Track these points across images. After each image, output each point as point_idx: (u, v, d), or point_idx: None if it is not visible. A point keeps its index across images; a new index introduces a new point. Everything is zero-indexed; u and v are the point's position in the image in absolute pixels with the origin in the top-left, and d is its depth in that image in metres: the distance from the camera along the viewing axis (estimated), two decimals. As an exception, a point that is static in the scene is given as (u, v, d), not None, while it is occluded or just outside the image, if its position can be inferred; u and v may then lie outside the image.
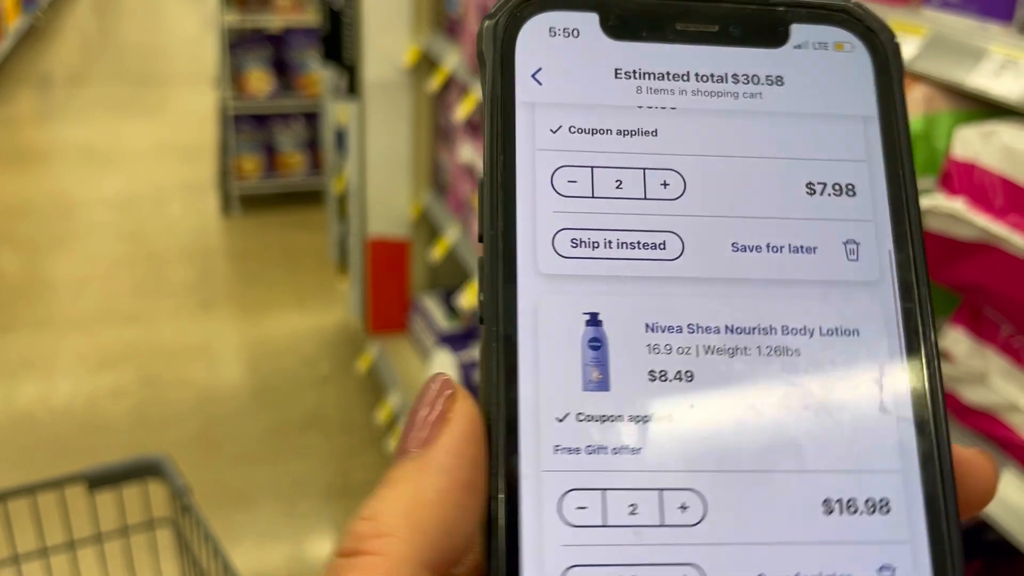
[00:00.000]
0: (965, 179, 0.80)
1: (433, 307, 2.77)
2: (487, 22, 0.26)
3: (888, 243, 0.26)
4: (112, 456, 2.90)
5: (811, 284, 0.25)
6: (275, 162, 4.53)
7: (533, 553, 0.22)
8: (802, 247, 0.25)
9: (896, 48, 0.27)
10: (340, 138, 2.96)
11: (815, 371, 0.24)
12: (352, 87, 2.64)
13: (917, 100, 0.85)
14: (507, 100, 0.25)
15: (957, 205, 0.79)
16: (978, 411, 0.87)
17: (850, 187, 0.26)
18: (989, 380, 0.85)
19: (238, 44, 4.32)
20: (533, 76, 0.26)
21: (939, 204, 0.80)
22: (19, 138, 5.53)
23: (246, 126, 4.40)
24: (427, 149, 2.74)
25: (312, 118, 4.43)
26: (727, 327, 0.24)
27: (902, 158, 0.26)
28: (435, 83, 2.46)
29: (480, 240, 0.25)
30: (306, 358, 3.30)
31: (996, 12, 0.86)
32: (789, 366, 0.24)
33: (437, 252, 2.59)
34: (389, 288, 2.91)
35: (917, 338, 0.25)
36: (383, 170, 2.71)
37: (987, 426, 0.86)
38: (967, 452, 0.25)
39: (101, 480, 1.17)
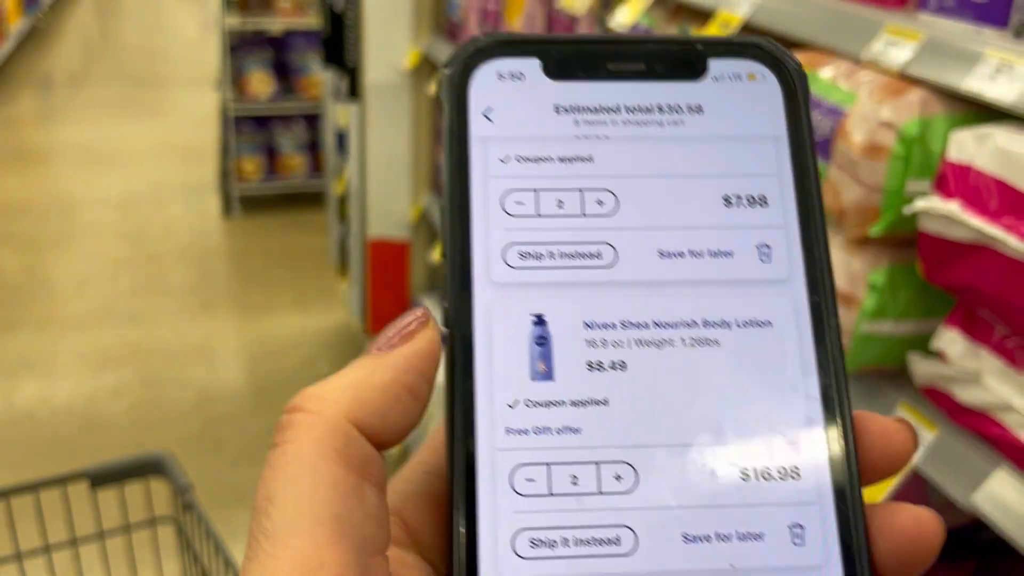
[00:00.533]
0: (960, 181, 0.81)
1: (433, 308, 2.78)
2: (445, 71, 0.30)
3: (797, 245, 0.29)
4: (112, 456, 2.91)
5: (728, 283, 0.29)
6: (276, 164, 4.54)
7: (488, 519, 0.26)
8: (720, 251, 0.29)
9: (802, 75, 0.31)
10: (341, 140, 2.97)
11: (733, 358, 0.28)
12: (353, 89, 2.65)
13: (912, 104, 0.86)
14: (463, 136, 0.29)
15: (952, 207, 0.80)
16: (972, 411, 0.88)
17: (762, 198, 0.29)
18: (983, 380, 0.86)
19: (239, 46, 4.33)
20: (484, 115, 0.29)
21: (935, 206, 0.81)
22: (20, 138, 5.54)
23: (247, 128, 4.41)
24: (427, 151, 2.75)
25: (313, 120, 4.44)
26: (655, 322, 0.28)
27: (809, 171, 0.30)
28: (435, 86, 2.47)
29: (443, 256, 0.29)
30: (306, 359, 3.31)
31: (991, 17, 0.87)
32: (709, 354, 0.28)
33: (437, 253, 2.60)
34: (389, 289, 2.92)
35: (822, 325, 0.28)
36: (383, 172, 2.72)
37: (981, 426, 0.87)
38: (884, 420, 0.28)
39: (103, 478, 1.18)
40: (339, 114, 2.94)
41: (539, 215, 0.29)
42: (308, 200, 4.62)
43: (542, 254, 0.28)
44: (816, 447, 0.27)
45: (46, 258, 4.03)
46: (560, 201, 0.29)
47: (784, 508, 0.26)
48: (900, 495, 1.05)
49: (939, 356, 0.90)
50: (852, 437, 0.27)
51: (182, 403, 3.01)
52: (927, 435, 0.93)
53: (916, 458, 0.93)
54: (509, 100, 0.30)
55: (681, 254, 0.29)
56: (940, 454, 0.92)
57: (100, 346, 3.33)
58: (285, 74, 4.40)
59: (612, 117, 0.30)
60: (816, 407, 0.27)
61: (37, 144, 5.46)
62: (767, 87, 0.30)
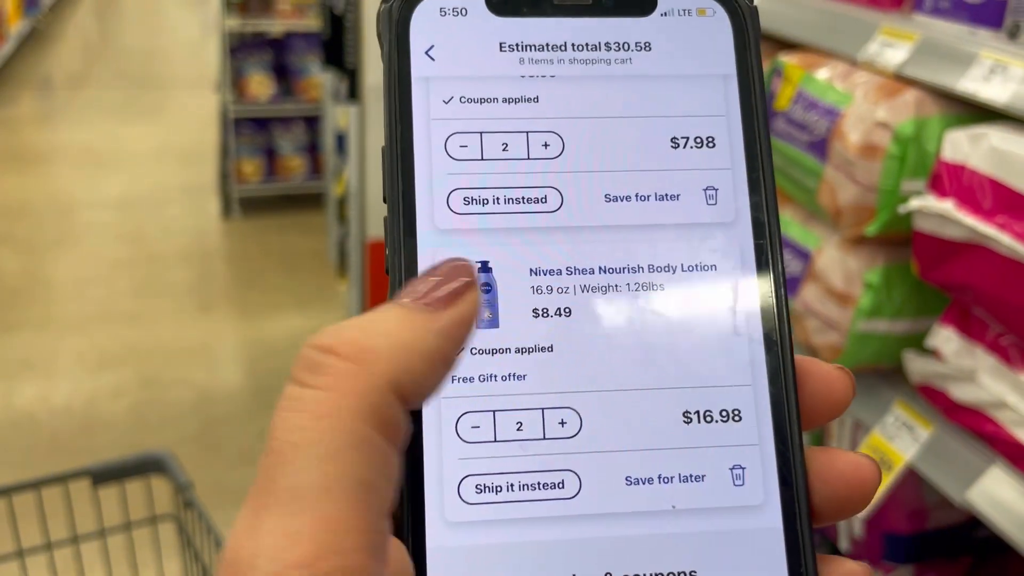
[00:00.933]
0: (955, 180, 0.82)
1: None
2: (383, 6, 0.29)
3: (744, 188, 0.28)
4: (111, 455, 2.91)
5: (674, 227, 0.28)
6: (275, 165, 4.55)
7: (434, 466, 0.26)
8: (667, 195, 0.28)
9: (753, 11, 0.30)
10: (340, 141, 2.98)
11: (678, 302, 0.27)
12: (353, 91, 2.65)
13: (908, 104, 0.87)
14: (404, 75, 0.28)
15: (947, 206, 0.81)
16: (967, 408, 0.89)
17: (710, 139, 0.29)
18: (978, 378, 0.87)
19: (239, 48, 4.34)
20: (426, 53, 0.28)
21: (929, 205, 0.82)
22: (20, 140, 5.54)
23: (246, 130, 4.41)
24: (427, 152, 2.75)
25: (312, 122, 4.45)
26: (600, 268, 0.27)
27: (757, 111, 0.29)
28: (375, 22, 2.47)
29: (384, 201, 0.28)
30: (305, 360, 3.30)
31: (985, 18, 0.88)
32: (655, 299, 0.27)
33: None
34: (388, 290, 2.92)
35: (767, 269, 0.28)
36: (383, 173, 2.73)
37: (976, 423, 0.88)
38: (825, 366, 0.28)
39: (105, 476, 1.18)
40: (339, 116, 2.95)
41: (483, 159, 0.28)
42: (307, 201, 4.62)
43: (487, 199, 0.28)
44: (758, 391, 0.27)
45: (45, 259, 4.03)
46: (505, 144, 0.28)
47: (725, 450, 0.27)
48: (896, 492, 1.06)
49: (934, 354, 0.90)
50: (793, 381, 0.27)
51: (181, 404, 3.01)
52: (923, 433, 0.94)
53: (911, 455, 0.94)
54: (452, 37, 0.28)
55: (627, 198, 0.28)
56: (935, 451, 0.93)
57: (99, 347, 3.33)
58: (285, 76, 4.41)
59: (558, 55, 0.29)
60: (759, 350, 0.27)
61: (37, 145, 5.47)
62: (717, 23, 0.29)
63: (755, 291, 0.28)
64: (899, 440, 0.95)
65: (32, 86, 6.64)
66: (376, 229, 2.80)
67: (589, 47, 0.29)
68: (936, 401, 0.92)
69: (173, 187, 4.84)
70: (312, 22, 4.24)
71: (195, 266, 4.02)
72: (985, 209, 0.81)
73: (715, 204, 0.28)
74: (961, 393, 0.88)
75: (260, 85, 4.34)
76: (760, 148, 0.29)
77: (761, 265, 0.28)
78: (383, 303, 0.25)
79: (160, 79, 6.90)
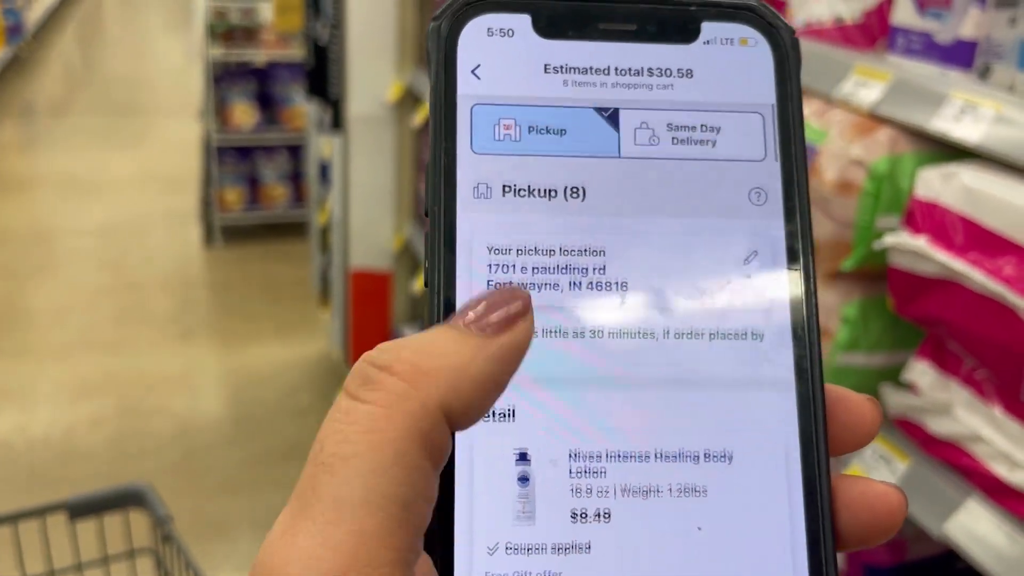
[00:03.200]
0: (927, 218, 0.84)
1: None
2: (432, 24, 0.29)
3: (780, 218, 0.29)
4: (90, 486, 2.87)
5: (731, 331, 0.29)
6: (258, 194, 4.55)
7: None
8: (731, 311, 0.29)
9: (795, 42, 0.30)
10: (324, 171, 2.99)
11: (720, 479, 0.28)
12: (336, 121, 2.67)
13: (881, 142, 0.89)
14: (450, 93, 0.29)
15: (920, 243, 0.83)
16: (943, 442, 0.90)
17: (762, 193, 0.29)
18: (953, 411, 0.88)
19: (223, 77, 4.36)
20: (473, 72, 0.29)
21: (903, 241, 0.84)
22: (1, 166, 5.51)
23: (229, 158, 4.42)
24: (410, 182, 2.77)
25: (295, 151, 4.46)
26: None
27: (795, 139, 0.30)
28: (418, 118, 2.50)
29: (425, 215, 0.28)
30: (286, 389, 3.30)
31: (957, 59, 0.90)
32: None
33: (419, 284, 2.62)
34: (371, 320, 2.92)
35: (800, 292, 0.28)
36: (366, 202, 2.74)
37: (952, 456, 0.89)
38: (855, 396, 0.29)
39: (82, 509, 1.17)
40: (323, 145, 2.96)
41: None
42: (290, 230, 4.62)
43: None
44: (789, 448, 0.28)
45: (26, 286, 4.00)
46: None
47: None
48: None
49: (910, 388, 0.92)
50: (823, 413, 0.28)
51: (161, 433, 2.98)
52: (900, 465, 0.95)
53: (890, 488, 0.95)
54: (498, 57, 0.29)
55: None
56: (913, 484, 0.94)
57: (79, 376, 3.30)
58: (268, 105, 4.42)
59: (601, 79, 0.29)
60: (789, 375, 0.28)
61: (18, 172, 5.44)
62: (759, 53, 0.30)
63: (788, 326, 0.28)
64: (877, 473, 0.96)
65: (14, 113, 6.62)
66: (358, 257, 2.81)
67: (632, 72, 0.29)
68: (913, 434, 0.93)
69: (155, 215, 4.83)
70: (296, 52, 4.26)
71: (176, 294, 4.01)
72: (957, 245, 0.82)
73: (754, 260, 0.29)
74: (937, 426, 0.90)
75: (244, 114, 4.35)
76: (796, 176, 0.29)
77: (793, 287, 0.28)
78: (438, 325, 0.25)
79: (143, 107, 6.90)
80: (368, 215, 2.76)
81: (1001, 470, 0.85)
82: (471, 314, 0.24)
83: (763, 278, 0.28)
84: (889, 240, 0.85)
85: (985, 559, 0.85)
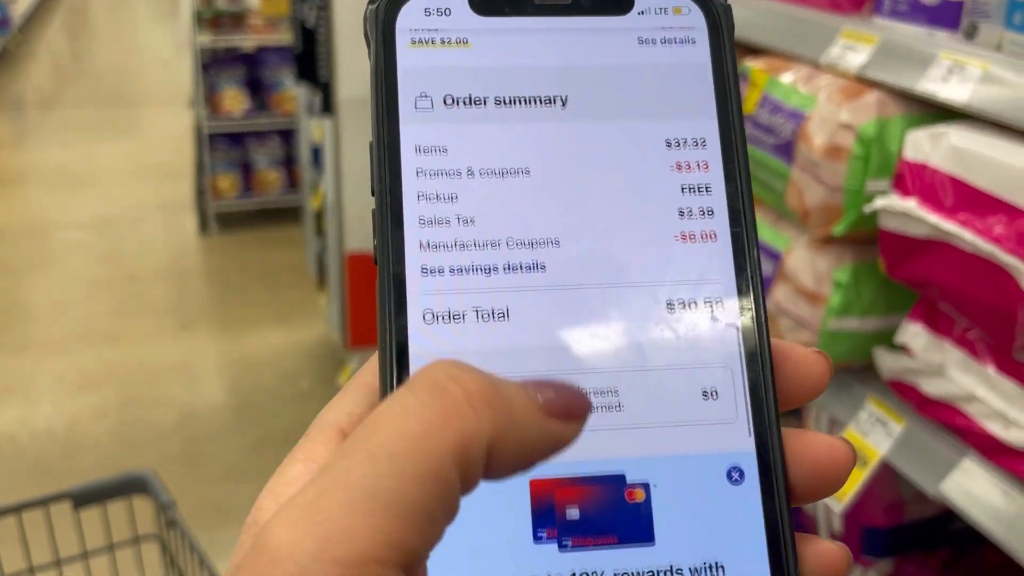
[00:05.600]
0: (917, 179, 0.84)
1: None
2: (369, 7, 0.30)
3: (721, 185, 0.30)
4: (94, 477, 2.88)
5: (654, 212, 0.30)
6: (251, 180, 4.54)
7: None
8: (652, 193, 0.30)
9: (727, 9, 0.31)
10: (316, 155, 2.98)
11: (655, 283, 0.29)
12: (326, 105, 2.66)
13: (870, 105, 0.89)
14: (390, 73, 0.29)
15: (910, 204, 0.83)
16: (938, 402, 0.90)
17: (701, 140, 0.30)
18: (947, 372, 0.89)
19: (212, 64, 4.33)
20: (410, 51, 0.30)
21: (893, 204, 0.84)
22: (-8, 162, 5.49)
23: (221, 145, 4.40)
24: (403, 163, 2.76)
25: (287, 136, 4.44)
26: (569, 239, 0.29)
27: (731, 100, 0.30)
28: (362, 23, 2.48)
29: (372, 194, 0.29)
30: (287, 374, 3.30)
31: (943, 20, 0.90)
32: (633, 277, 0.29)
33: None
34: (368, 302, 2.92)
35: (743, 256, 0.29)
36: (359, 185, 2.73)
37: (947, 417, 0.90)
38: (801, 349, 0.29)
39: (86, 498, 1.18)
40: (313, 129, 2.95)
41: None
42: (285, 215, 4.61)
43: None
44: (735, 371, 0.28)
45: (22, 282, 4.00)
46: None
47: (703, 428, 0.28)
48: (872, 486, 1.07)
49: (904, 350, 0.92)
50: (770, 362, 0.28)
51: (163, 423, 2.99)
52: (895, 427, 0.95)
53: (886, 450, 0.96)
54: (435, 35, 0.30)
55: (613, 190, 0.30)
56: (909, 446, 0.94)
57: (79, 368, 3.31)
58: (258, 90, 4.40)
59: (538, 52, 0.30)
60: (736, 333, 0.28)
61: (10, 167, 5.42)
62: (693, 20, 0.31)
63: (731, 276, 0.29)
64: (873, 436, 0.97)
65: (3, 107, 6.58)
66: (353, 240, 2.80)
67: (568, 43, 0.30)
68: (907, 396, 0.93)
69: (149, 205, 4.81)
70: (284, 36, 4.24)
71: (174, 284, 4.00)
72: (947, 207, 0.82)
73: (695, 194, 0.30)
74: (931, 387, 0.90)
75: (234, 100, 4.33)
76: (735, 139, 0.30)
77: (737, 251, 0.29)
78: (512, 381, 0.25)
79: (133, 97, 6.86)
80: (362, 198, 2.76)
81: (996, 429, 0.85)
82: (548, 391, 0.24)
83: (701, 234, 0.29)
84: (879, 203, 0.85)
85: (982, 518, 0.86)
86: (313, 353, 3.47)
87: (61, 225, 4.54)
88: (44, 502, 1.14)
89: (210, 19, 4.37)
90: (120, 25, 9.55)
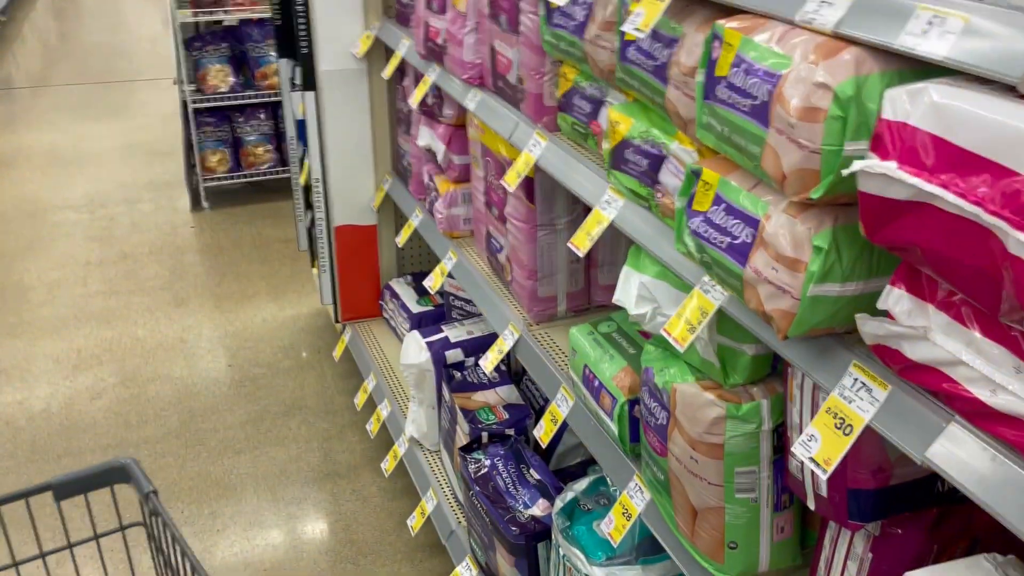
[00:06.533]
0: (896, 139, 0.80)
1: (403, 290, 2.77)
2: None
3: None
4: (93, 456, 2.90)
5: None
6: (240, 155, 4.50)
7: None
8: None
9: None
10: (301, 128, 2.94)
11: None
12: (307, 79, 2.61)
13: (846, 62, 0.86)
14: None
15: (889, 165, 0.80)
16: (923, 366, 0.88)
17: None
18: (932, 336, 0.86)
19: (195, 40, 4.27)
20: None
21: (872, 165, 0.81)
22: (-19, 144, 5.45)
23: (209, 121, 4.36)
24: (386, 135, 2.72)
25: (275, 109, 4.39)
26: None
27: None
28: (389, 69, 2.44)
29: None
30: (283, 347, 3.30)
31: (921, -29, 0.86)
32: None
33: (403, 236, 2.59)
34: (359, 273, 2.90)
35: None
36: (345, 158, 2.70)
37: (932, 381, 0.87)
38: None
39: (68, 489, 1.17)
40: (296, 104, 2.91)
41: None
42: (276, 189, 4.58)
43: None
44: None
45: (16, 264, 3.98)
46: None
47: None
48: (858, 450, 1.06)
49: (886, 315, 0.90)
50: None
51: (161, 399, 3.00)
52: (880, 393, 0.94)
53: (871, 416, 0.94)
54: None
55: None
56: (894, 411, 0.92)
57: (75, 348, 3.30)
58: (243, 65, 4.34)
59: None
60: None
61: (1, 150, 5.38)
62: None
63: None
64: (858, 402, 0.95)
65: (-9, 88, 6.52)
66: (341, 212, 2.78)
67: None
68: (892, 361, 0.91)
69: (140, 183, 4.78)
70: (266, 9, 4.17)
71: (167, 261, 3.99)
72: (928, 167, 0.79)
73: None
74: (916, 352, 0.88)
75: (219, 76, 4.27)
76: None
77: None
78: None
79: (123, 75, 6.78)
80: (348, 170, 2.72)
81: (983, 394, 0.83)
82: None
83: None
84: (857, 165, 0.82)
85: (969, 483, 0.84)
86: (308, 325, 3.46)
87: (53, 206, 4.52)
88: (24, 495, 1.14)
89: (191, -7, 4.30)
90: (107, 3, 9.42)
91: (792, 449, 1.01)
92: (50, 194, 4.75)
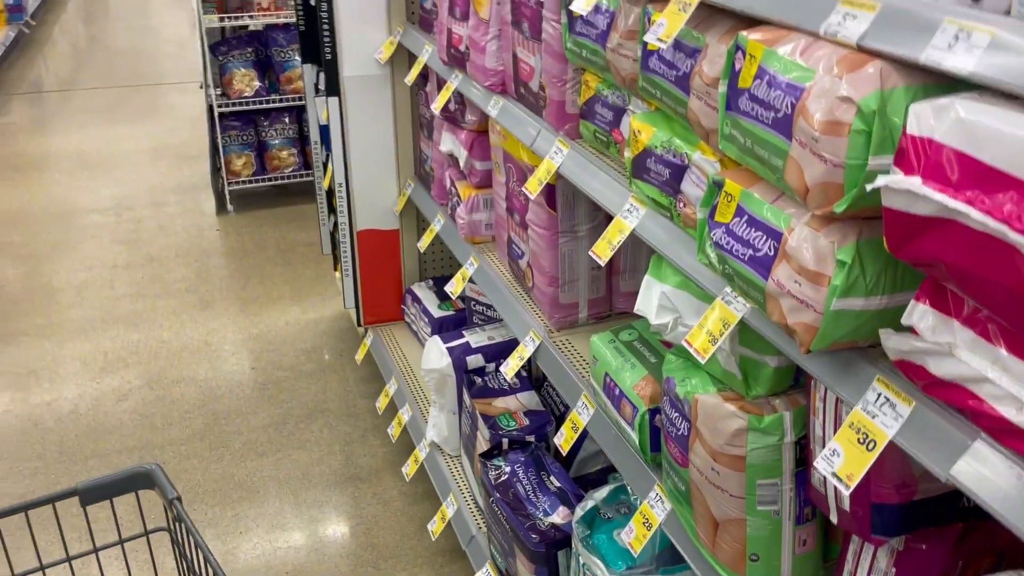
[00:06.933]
0: (921, 155, 0.80)
1: (425, 295, 2.78)
2: None
3: None
4: (119, 458, 2.92)
5: None
6: (265, 159, 4.53)
7: None
8: None
9: None
10: (324, 133, 2.96)
11: None
12: (331, 84, 2.63)
13: (871, 76, 0.85)
14: None
15: (914, 181, 0.79)
16: (948, 383, 0.87)
17: None
18: (957, 353, 0.85)
19: (221, 45, 4.31)
20: None
21: (896, 181, 0.80)
22: (13, 148, 5.53)
23: (234, 125, 4.39)
24: (408, 140, 2.73)
25: (299, 113, 4.42)
26: None
27: None
28: (412, 75, 2.45)
29: None
30: (306, 350, 3.32)
31: (947, -17, 0.85)
32: None
33: (425, 240, 2.60)
34: (381, 277, 2.91)
35: None
36: (367, 163, 2.71)
37: (957, 398, 0.86)
38: None
39: (94, 494, 1.18)
40: (320, 109, 2.93)
41: None
42: (300, 191, 4.61)
43: None
44: None
45: (44, 266, 4.04)
46: None
47: None
48: (882, 464, 1.05)
49: (911, 331, 0.89)
50: None
51: (186, 401, 3.03)
52: (904, 409, 0.93)
53: (895, 432, 0.93)
54: None
55: None
56: (917, 427, 0.91)
57: (102, 350, 3.35)
58: (268, 69, 4.38)
59: None
60: None
61: (30, 153, 5.45)
62: None
63: None
64: (881, 417, 0.94)
65: (22, 93, 6.61)
66: (364, 217, 2.79)
67: None
68: (916, 377, 0.90)
69: (167, 186, 4.83)
70: (291, 14, 4.20)
71: (193, 264, 4.03)
72: (954, 184, 0.78)
73: None
74: (940, 369, 0.87)
75: (244, 80, 4.31)
76: None
77: None
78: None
79: (150, 79, 6.86)
80: (370, 175, 2.74)
81: (1008, 411, 0.82)
82: None
83: None
84: (881, 181, 0.81)
85: (994, 501, 0.83)
86: (330, 329, 3.48)
87: (81, 209, 4.58)
88: (51, 500, 1.15)
89: (216, 1, 4.34)
90: (135, 7, 9.53)
91: (814, 464, 1.00)
92: (78, 197, 4.81)
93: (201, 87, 4.33)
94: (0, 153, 5.46)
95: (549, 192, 1.76)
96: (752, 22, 1.05)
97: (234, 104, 4.37)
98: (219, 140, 4.39)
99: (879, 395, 0.95)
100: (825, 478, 1.12)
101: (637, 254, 1.88)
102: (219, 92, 4.36)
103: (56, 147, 5.55)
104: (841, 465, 0.95)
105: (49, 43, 7.98)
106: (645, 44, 1.26)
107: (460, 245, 2.29)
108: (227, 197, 4.54)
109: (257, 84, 4.36)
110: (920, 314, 0.87)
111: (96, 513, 1.22)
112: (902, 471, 1.06)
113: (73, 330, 3.56)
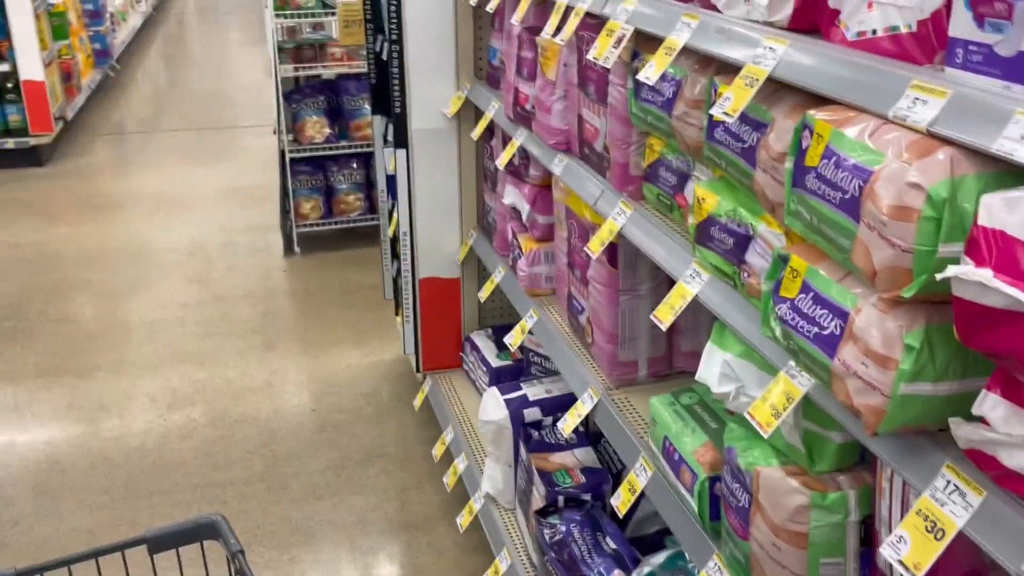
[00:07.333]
0: (992, 247, 0.79)
1: (484, 343, 2.80)
2: None
3: None
4: (181, 497, 2.97)
5: None
6: (332, 203, 4.65)
7: None
8: None
9: None
10: (391, 182, 3.03)
11: None
12: (399, 135, 2.69)
13: (941, 163, 0.84)
14: None
15: (985, 273, 0.78)
16: (1020, 476, 0.85)
17: None
18: (1030, 444, 0.83)
19: (294, 93, 4.46)
20: None
21: (967, 272, 0.79)
22: (95, 188, 5.77)
23: (304, 170, 4.52)
24: (472, 191, 2.77)
25: (367, 159, 4.54)
26: None
27: None
28: (478, 130, 2.50)
29: None
30: (365, 393, 3.36)
31: (1021, 73, 0.84)
32: None
33: (486, 291, 2.62)
34: (441, 325, 2.95)
35: None
36: (432, 213, 2.76)
37: (1031, 491, 0.84)
38: None
39: (161, 543, 1.22)
40: (388, 159, 3.00)
41: None
42: (365, 235, 4.70)
43: None
44: None
45: (120, 303, 4.19)
46: None
47: None
48: (951, 552, 1.02)
49: (981, 421, 0.87)
50: None
51: (248, 441, 3.09)
52: (975, 499, 0.90)
53: (964, 522, 0.90)
54: None
55: None
56: (988, 518, 0.89)
57: (170, 387, 3.44)
58: (339, 117, 4.50)
59: None
60: None
61: (111, 193, 5.68)
62: None
63: None
64: (951, 506, 0.91)
65: (105, 134, 6.92)
66: (426, 265, 2.84)
67: None
68: (987, 467, 0.88)
69: (238, 227, 4.98)
70: (363, 64, 4.33)
71: (259, 305, 4.13)
72: (1026, 274, 0.77)
73: None
74: (1012, 460, 0.85)
75: (315, 127, 4.44)
76: None
77: None
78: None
79: (226, 123, 7.11)
80: (434, 225, 2.78)
81: (1085, 507, 0.79)
82: None
83: None
84: (951, 271, 0.80)
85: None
86: (390, 373, 3.52)
87: (158, 248, 4.74)
88: (120, 548, 1.19)
89: (292, 50, 4.50)
90: (215, 52, 9.93)
91: (880, 550, 0.97)
92: (155, 236, 4.98)
93: (274, 132, 4.47)
94: (83, 192, 5.70)
95: (611, 250, 1.77)
96: (819, 99, 1.06)
97: (305, 150, 4.50)
98: (289, 184, 4.51)
99: (948, 482, 0.93)
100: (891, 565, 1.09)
101: (699, 315, 1.88)
102: (291, 138, 4.50)
103: (136, 187, 5.77)
104: (908, 553, 0.93)
105: (133, 86, 8.34)
106: (711, 115, 1.27)
107: (520, 297, 2.31)
108: (294, 239, 4.66)
109: (327, 131, 4.49)
110: (991, 404, 0.85)
111: (160, 558, 1.25)
112: (971, 560, 1.03)
113: (144, 367, 3.67)
